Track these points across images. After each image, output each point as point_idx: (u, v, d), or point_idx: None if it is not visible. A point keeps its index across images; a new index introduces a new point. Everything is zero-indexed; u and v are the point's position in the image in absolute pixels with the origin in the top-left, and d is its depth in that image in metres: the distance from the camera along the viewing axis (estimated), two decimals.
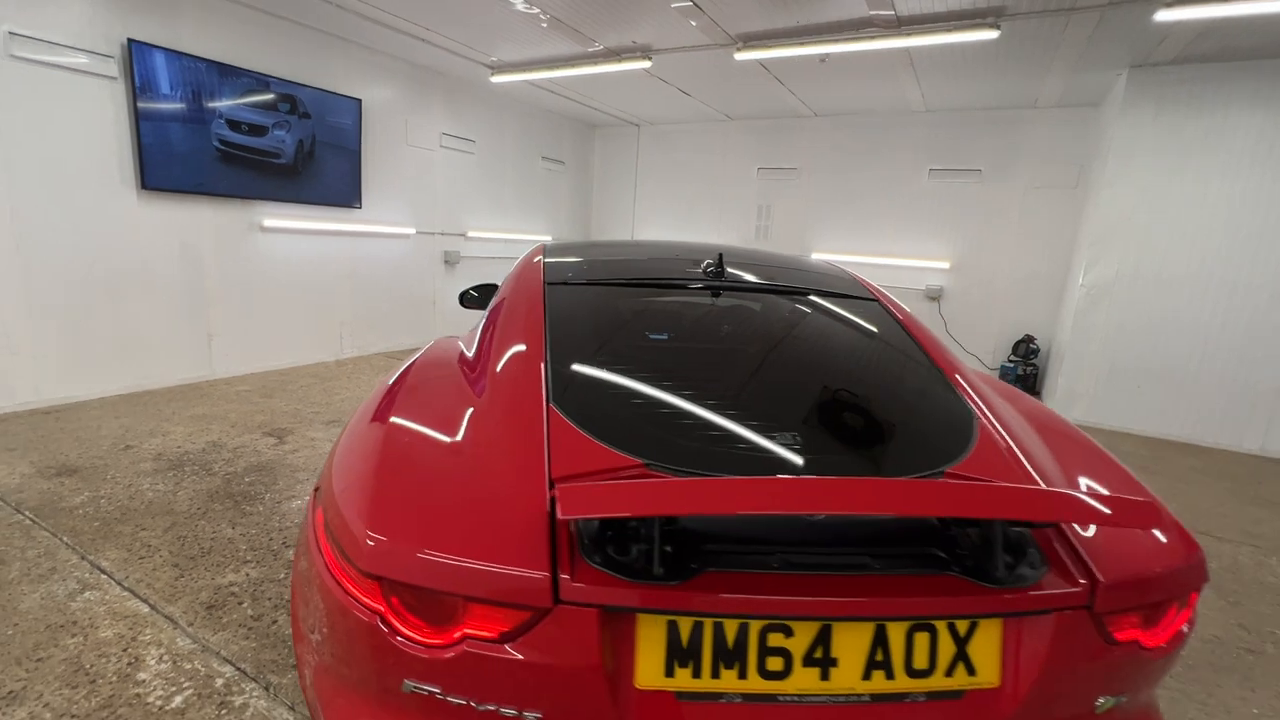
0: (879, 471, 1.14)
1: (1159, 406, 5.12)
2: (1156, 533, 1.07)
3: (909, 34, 4.30)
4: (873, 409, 1.36)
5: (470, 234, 7.17)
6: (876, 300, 1.79)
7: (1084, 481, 1.20)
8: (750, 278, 1.76)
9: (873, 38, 4.42)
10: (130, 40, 4.14)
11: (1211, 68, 4.64)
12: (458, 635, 0.87)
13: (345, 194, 5.71)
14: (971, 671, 0.92)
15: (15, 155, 3.80)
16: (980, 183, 6.64)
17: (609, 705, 0.87)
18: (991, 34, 4.10)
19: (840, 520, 0.98)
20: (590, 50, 5.34)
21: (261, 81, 4.86)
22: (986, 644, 0.93)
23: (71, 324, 4.18)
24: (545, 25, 4.73)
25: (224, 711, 1.70)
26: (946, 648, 0.92)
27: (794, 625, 0.89)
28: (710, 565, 0.89)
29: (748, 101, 6.84)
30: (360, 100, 5.63)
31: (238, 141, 4.80)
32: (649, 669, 0.88)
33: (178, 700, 1.73)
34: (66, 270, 4.11)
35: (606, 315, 1.57)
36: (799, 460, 1.11)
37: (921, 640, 0.91)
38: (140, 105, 4.23)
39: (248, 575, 2.34)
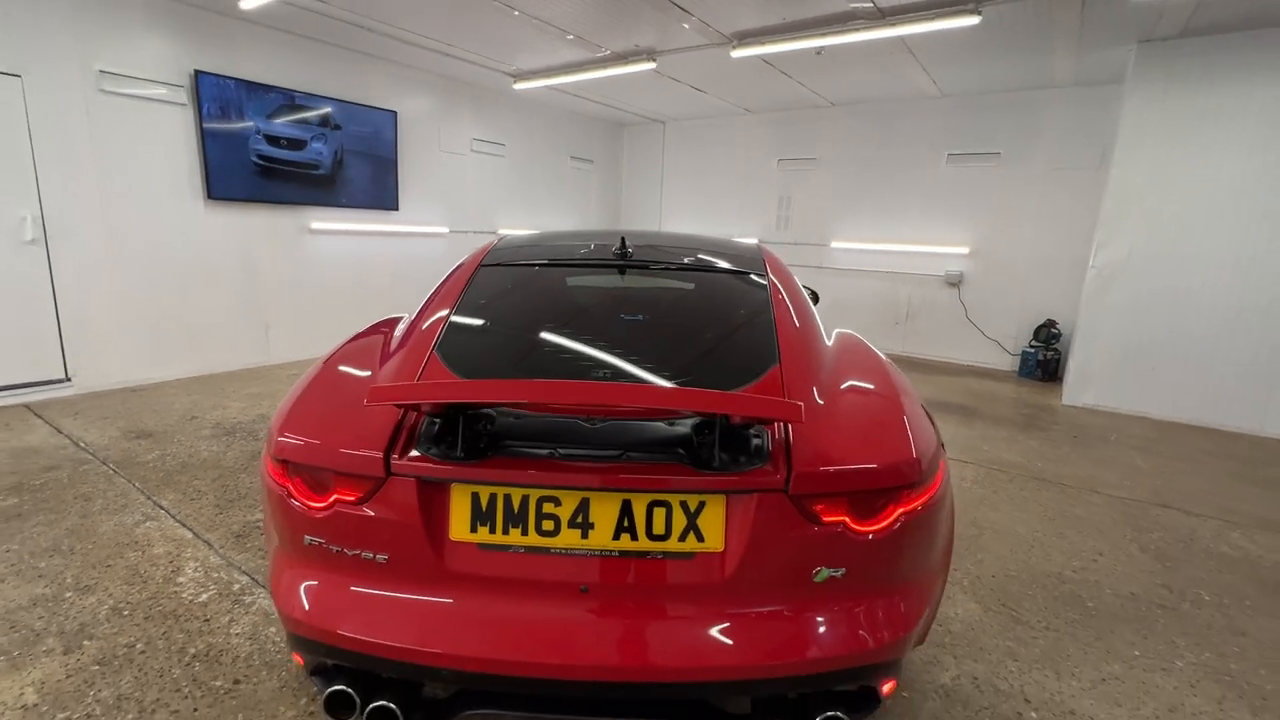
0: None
1: (1174, 389, 5.00)
2: (892, 441, 1.32)
3: (894, 24, 4.42)
4: (689, 351, 1.67)
5: (501, 231, 7.68)
6: (758, 273, 2.04)
7: (841, 410, 1.45)
8: (649, 257, 2.06)
9: (859, 29, 4.56)
10: (196, 71, 4.82)
11: (1225, 38, 4.50)
12: (331, 499, 1.26)
13: (384, 197, 6.31)
14: (700, 539, 1.22)
15: (106, 174, 4.53)
16: (1000, 165, 6.56)
17: (430, 551, 1.23)
18: (973, 20, 4.17)
19: (610, 428, 1.30)
20: (599, 55, 5.69)
21: (308, 100, 5.49)
22: (712, 518, 1.22)
23: (152, 317, 4.91)
24: (553, 34, 5.11)
25: (235, 606, 2.17)
26: (679, 519, 1.22)
27: (562, 497, 1.22)
28: (501, 452, 1.24)
29: (763, 95, 7.01)
30: (396, 112, 6.21)
31: (276, 156, 5.42)
32: (459, 526, 1.23)
33: (204, 596, 2.21)
34: (147, 271, 4.84)
35: (513, 287, 1.93)
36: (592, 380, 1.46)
37: (659, 513, 1.22)
38: (205, 127, 4.91)
39: None
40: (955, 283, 6.96)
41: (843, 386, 1.55)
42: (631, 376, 1.52)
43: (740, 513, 1.23)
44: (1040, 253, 6.48)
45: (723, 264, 2.07)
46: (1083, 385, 5.38)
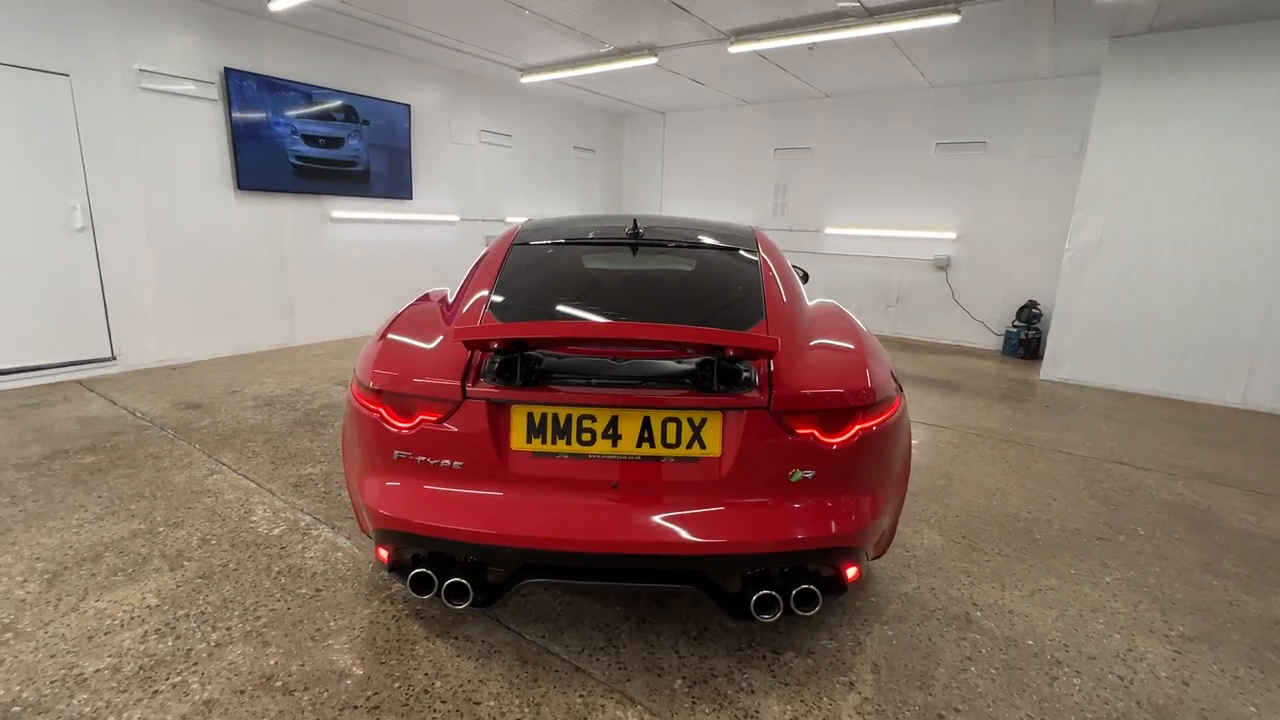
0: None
1: (1141, 363, 5.37)
2: (852, 373, 1.69)
3: (880, 21, 4.74)
4: (693, 309, 2.06)
5: (508, 219, 8.01)
6: (751, 250, 2.40)
7: (814, 353, 1.82)
8: (658, 236, 2.42)
9: (849, 26, 4.88)
10: (226, 68, 5.14)
11: (1192, 34, 4.82)
12: (418, 420, 1.62)
13: (399, 187, 6.63)
14: (703, 446, 1.59)
15: (145, 166, 4.86)
16: (985, 154, 6.89)
17: (496, 458, 1.60)
18: (953, 19, 4.49)
19: (633, 364, 1.67)
20: (602, 51, 6.00)
21: (329, 94, 5.81)
22: (712, 429, 1.59)
23: (188, 299, 5.26)
24: (559, 30, 5.42)
25: (305, 538, 2.54)
26: (687, 431, 1.59)
27: (597, 414, 1.58)
28: (549, 382, 1.60)
29: (759, 87, 7.31)
30: (409, 105, 6.52)
31: (315, 155, 5.80)
32: (518, 438, 1.60)
33: (277, 530, 2.59)
34: (183, 257, 5.18)
35: (544, 260, 2.30)
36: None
37: (671, 426, 1.59)
38: (235, 120, 5.23)
39: (321, 470, 3.22)
40: (943, 266, 7.31)
41: (817, 339, 1.92)
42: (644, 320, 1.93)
43: (733, 426, 1.59)
44: (1023, 237, 6.82)
45: (721, 243, 2.43)
46: (1059, 361, 5.74)
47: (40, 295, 4.50)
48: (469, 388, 1.60)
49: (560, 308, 2.01)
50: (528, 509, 1.59)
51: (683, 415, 1.59)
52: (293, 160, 5.65)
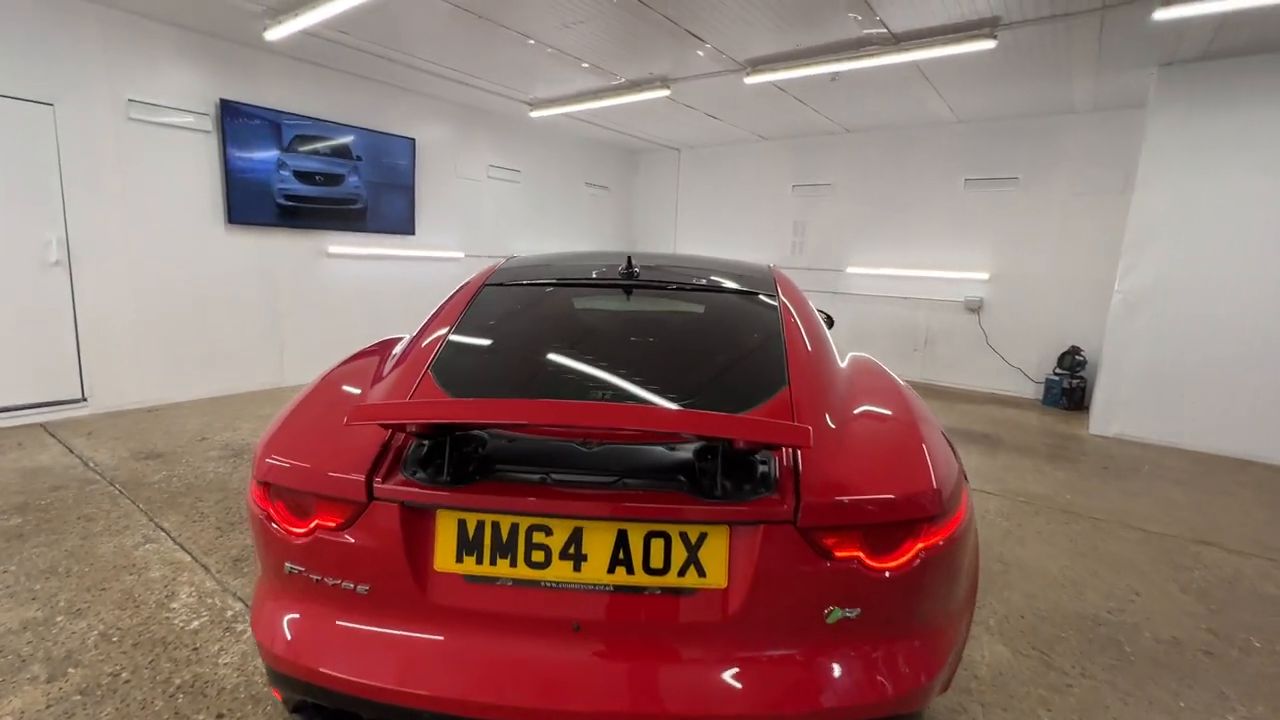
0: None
1: (1205, 419, 4.79)
2: (910, 469, 1.23)
3: (908, 49, 4.41)
4: (695, 369, 1.60)
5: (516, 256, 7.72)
6: (769, 294, 1.97)
7: (854, 436, 1.36)
8: (656, 277, 2.01)
9: (874, 54, 4.56)
10: (222, 100, 4.95)
11: (1246, 62, 4.42)
12: (312, 525, 1.19)
13: (401, 222, 6.38)
14: (702, 574, 1.13)
15: (130, 199, 4.63)
16: (1019, 190, 6.48)
17: (413, 583, 1.15)
18: (989, 44, 4.14)
19: (607, 452, 1.23)
20: (614, 83, 5.76)
21: (330, 128, 5.61)
22: (715, 551, 1.13)
23: (170, 337, 4.96)
24: (569, 62, 5.18)
25: (226, 635, 2.10)
26: (679, 552, 1.13)
27: (553, 525, 1.14)
28: (490, 477, 1.17)
29: (775, 122, 7.04)
30: (414, 139, 6.32)
31: (312, 194, 5.59)
32: (444, 555, 1.16)
33: (195, 624, 2.15)
34: (167, 293, 4.91)
35: (515, 307, 1.88)
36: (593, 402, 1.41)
37: (657, 545, 1.13)
38: (229, 153, 5.02)
39: None
40: (975, 308, 6.83)
41: (856, 411, 1.46)
42: (633, 398, 1.45)
43: (745, 546, 1.14)
44: (1063, 278, 6.34)
45: (732, 285, 2.01)
46: (1110, 414, 5.19)
47: (6, 332, 4.22)
48: (378, 484, 1.17)
49: (524, 371, 1.59)
50: (456, 658, 1.14)
51: (673, 529, 1.15)
52: (285, 199, 5.43)
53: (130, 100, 4.56)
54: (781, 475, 1.19)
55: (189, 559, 2.59)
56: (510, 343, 1.73)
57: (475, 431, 1.26)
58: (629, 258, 2.04)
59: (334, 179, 5.76)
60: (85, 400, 4.59)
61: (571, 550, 1.14)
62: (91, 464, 3.63)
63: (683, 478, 1.18)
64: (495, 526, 1.16)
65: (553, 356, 1.64)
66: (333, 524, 1.18)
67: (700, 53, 4.80)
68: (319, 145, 5.59)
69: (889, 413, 1.47)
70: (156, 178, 4.75)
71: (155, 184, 4.75)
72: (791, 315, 1.83)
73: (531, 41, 4.71)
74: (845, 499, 1.14)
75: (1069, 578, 2.74)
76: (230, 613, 2.22)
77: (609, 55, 5.00)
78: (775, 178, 8.10)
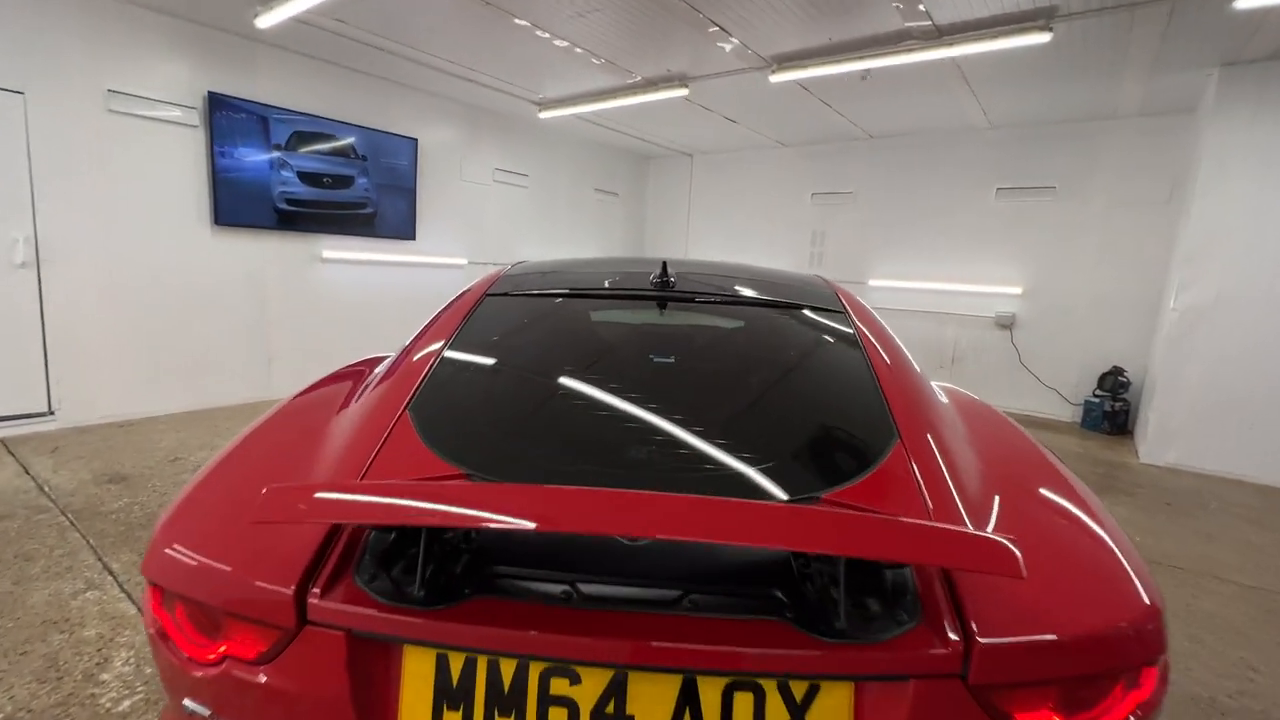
0: (732, 492, 0.97)
1: (1275, 449, 4.38)
2: (1113, 585, 0.84)
3: (952, 43, 4.06)
4: (764, 423, 1.18)
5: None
6: (839, 314, 1.59)
7: (1014, 526, 0.97)
8: (695, 288, 1.64)
9: (912, 50, 4.21)
10: (210, 92, 4.62)
11: None
12: (221, 652, 0.81)
13: (401, 227, 6.03)
14: None
15: (108, 196, 4.29)
16: (1055, 200, 6.10)
17: None
18: (1043, 37, 3.78)
19: (660, 549, 0.84)
20: (629, 82, 5.42)
21: (328, 125, 5.28)
22: (832, 713, 0.74)
23: (147, 347, 4.60)
24: (581, 58, 4.85)
25: None
26: (777, 714, 0.74)
27: (582, 671, 0.75)
28: (485, 590, 0.78)
29: (796, 126, 6.69)
30: (416, 140, 5.98)
31: (316, 197, 5.30)
32: (414, 709, 0.76)
33: (125, 704, 1.76)
34: (146, 298, 4.55)
35: (524, 324, 1.50)
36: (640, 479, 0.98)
37: (744, 702, 0.74)
38: (217, 150, 4.68)
39: None
40: (1007, 324, 6.43)
41: (999, 482, 1.07)
42: (687, 463, 1.04)
43: (881, 710, 0.75)
44: (1102, 294, 5.94)
45: (793, 301, 1.63)
46: (1164, 442, 4.77)
47: None
48: (314, 599, 0.78)
49: (536, 416, 1.18)
50: None
51: (769, 681, 0.76)
52: (287, 203, 5.11)
53: (110, 91, 4.23)
54: (929, 592, 0.80)
55: (134, 612, 2.20)
56: (519, 374, 1.34)
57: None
58: (664, 264, 1.67)
59: (343, 181, 5.47)
60: (52, 414, 4.22)
61: (610, 709, 0.75)
62: (47, 488, 3.25)
63: (779, 593, 0.79)
64: (493, 668, 0.77)
65: (575, 395, 1.24)
66: (249, 655, 0.79)
67: (725, 46, 4.45)
68: (321, 145, 5.26)
69: (1046, 489, 1.07)
70: (137, 174, 4.41)
71: (136, 181, 4.41)
72: (872, 342, 1.45)
73: (542, 33, 4.37)
74: (1041, 638, 0.75)
75: (1171, 646, 2.33)
76: None
77: (624, 50, 4.67)
78: (793, 185, 7.75)
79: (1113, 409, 5.72)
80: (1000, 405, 6.34)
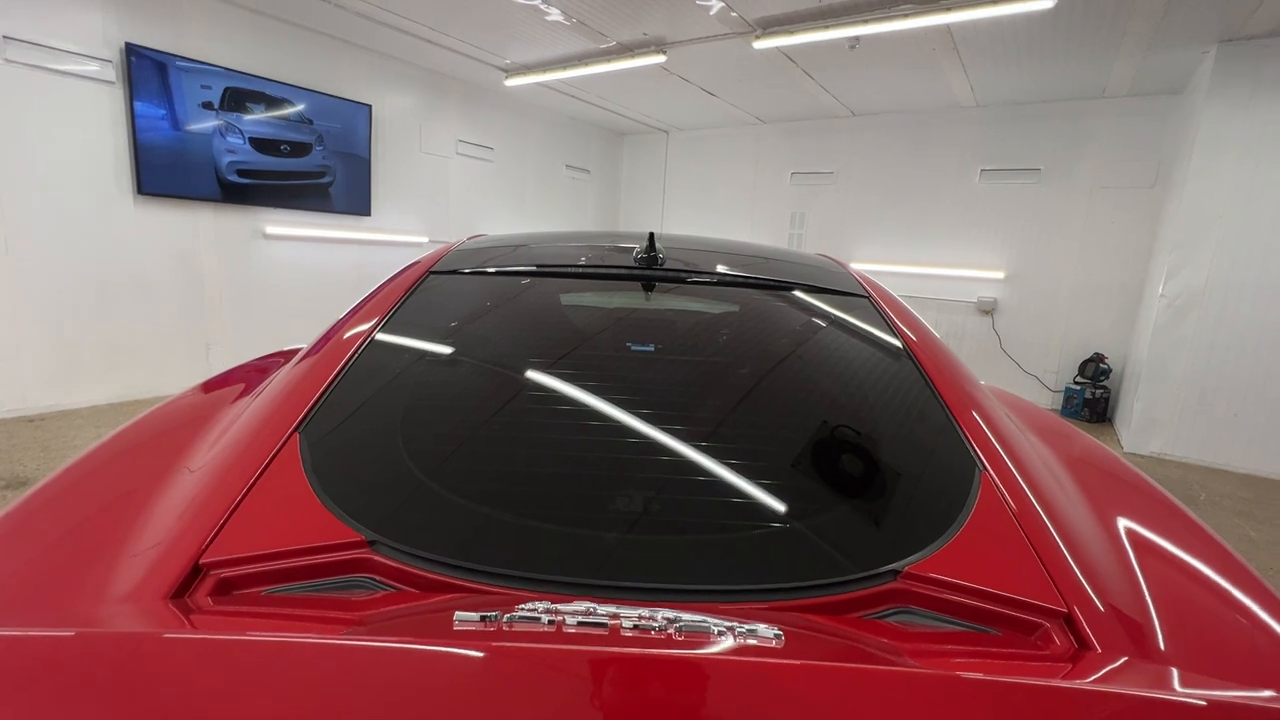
0: (768, 576, 0.67)
1: (1264, 439, 4.32)
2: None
3: (949, 8, 3.80)
4: (806, 464, 0.85)
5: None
6: (866, 307, 1.32)
7: (1168, 582, 0.72)
8: (695, 266, 1.34)
9: (907, 15, 3.93)
10: (129, 44, 4.09)
11: None
12: None
13: (355, 202, 5.57)
14: None
15: (5, 159, 3.76)
16: (1039, 183, 5.96)
17: None
18: (1046, 3, 3.55)
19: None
20: (603, 47, 5.04)
21: (270, 86, 4.77)
22: None
23: (61, 331, 4.10)
24: (551, 18, 4.44)
25: None
26: None
27: None
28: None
29: (778, 102, 6.40)
30: (370, 106, 5.50)
31: (269, 168, 4.87)
32: None
33: None
34: (56, 276, 4.04)
35: (474, 311, 1.18)
36: (620, 570, 0.67)
37: None
38: (138, 109, 4.16)
39: None
40: (988, 310, 6.31)
41: (1123, 533, 0.81)
42: (703, 527, 0.73)
43: None
44: (1085, 279, 5.85)
45: (812, 284, 1.35)
46: (1149, 431, 4.69)
47: None
48: None
49: (481, 445, 0.85)
50: None
51: None
52: (238, 174, 4.67)
53: (7, 38, 3.69)
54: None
55: None
56: (466, 381, 1.00)
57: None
58: (651, 235, 1.37)
59: (301, 149, 5.01)
60: None
61: None
62: None
63: None
64: None
65: (538, 414, 0.91)
66: None
67: (708, 5, 4.11)
68: (262, 108, 4.75)
69: (1181, 543, 0.81)
70: (42, 136, 3.88)
71: (41, 144, 3.88)
72: (913, 338, 1.18)
73: None
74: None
75: None
76: None
77: (597, 8, 4.28)
78: (772, 165, 7.47)
79: (1093, 396, 5.65)
80: None
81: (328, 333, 1.14)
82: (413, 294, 1.21)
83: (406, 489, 0.75)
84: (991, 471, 0.80)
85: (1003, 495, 0.77)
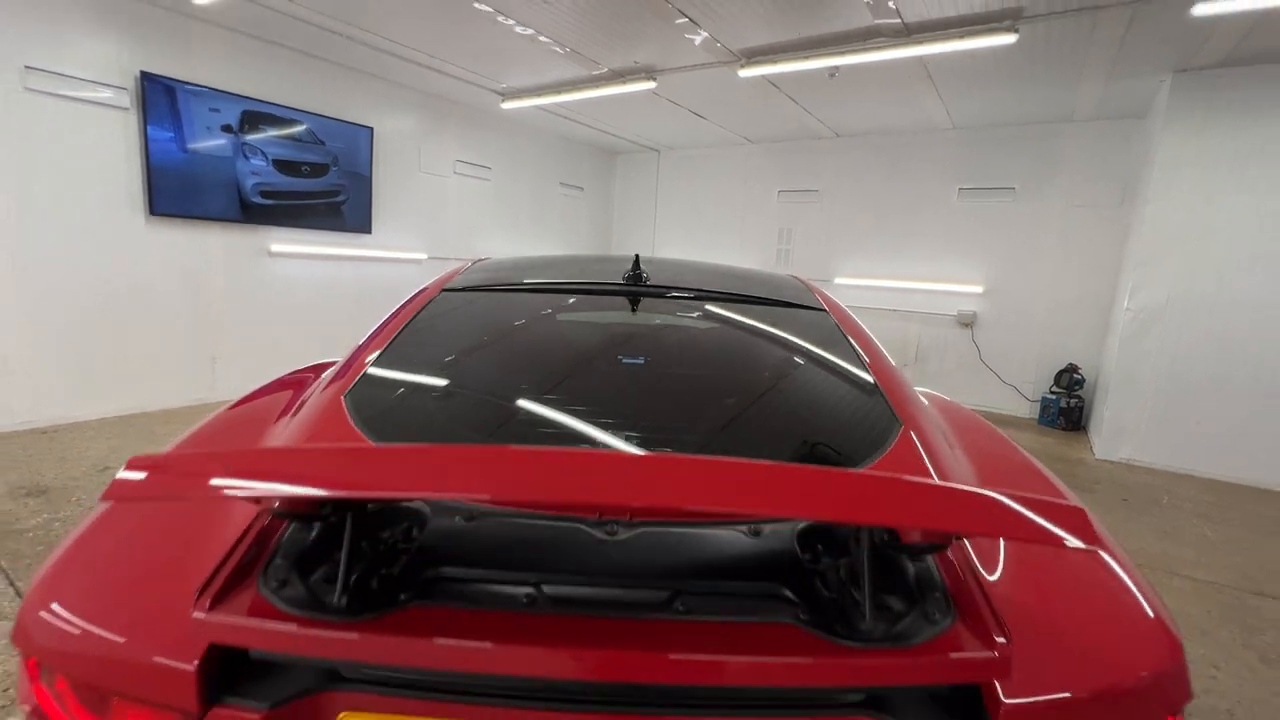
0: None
1: (1225, 445, 4.54)
2: (1129, 619, 0.78)
3: (920, 41, 4.05)
4: (772, 426, 1.13)
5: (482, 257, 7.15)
6: (818, 309, 1.55)
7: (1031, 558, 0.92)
8: (675, 283, 1.56)
9: (881, 47, 4.19)
10: (143, 72, 4.29)
11: (1269, 69, 4.20)
12: None
13: (355, 220, 5.76)
14: None
15: (24, 183, 3.94)
16: (1015, 201, 6.23)
17: None
18: (1009, 38, 3.81)
19: (635, 542, 0.75)
20: (595, 73, 5.28)
21: (277, 110, 4.98)
22: None
23: (73, 346, 4.26)
24: (546, 48, 4.68)
25: None
26: None
27: None
28: (425, 598, 0.68)
29: (764, 123, 6.66)
30: (372, 129, 5.71)
31: (290, 189, 5.15)
32: None
33: None
34: (69, 293, 4.20)
35: (482, 320, 1.40)
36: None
37: None
38: (151, 134, 4.35)
39: None
40: (968, 323, 6.55)
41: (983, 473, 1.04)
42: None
43: None
44: (1059, 293, 6.10)
45: (772, 295, 1.57)
46: (1119, 438, 4.91)
47: None
48: (205, 616, 0.64)
49: (492, 415, 1.11)
50: None
51: None
52: (260, 194, 4.94)
53: (28, 68, 3.88)
54: (959, 590, 0.74)
55: None
56: (472, 371, 1.24)
57: (404, 504, 0.77)
58: (636, 256, 1.60)
59: (319, 169, 5.28)
60: None
61: None
62: None
63: (787, 591, 0.71)
64: None
65: (534, 392, 1.16)
66: None
67: (693, 38, 4.36)
68: (274, 131, 4.96)
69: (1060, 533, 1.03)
70: (59, 159, 4.06)
71: (58, 167, 4.06)
72: (857, 338, 1.39)
73: (504, 20, 4.19)
74: (1072, 695, 0.66)
75: None
76: None
77: (590, 39, 4.53)
78: (760, 183, 7.73)
79: (1068, 405, 5.88)
80: (962, 402, 6.38)
81: (362, 346, 1.33)
82: (425, 310, 1.41)
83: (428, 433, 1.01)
84: (910, 426, 1.05)
85: (916, 441, 1.04)
